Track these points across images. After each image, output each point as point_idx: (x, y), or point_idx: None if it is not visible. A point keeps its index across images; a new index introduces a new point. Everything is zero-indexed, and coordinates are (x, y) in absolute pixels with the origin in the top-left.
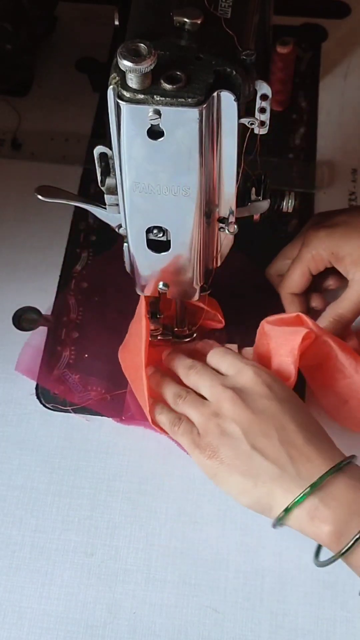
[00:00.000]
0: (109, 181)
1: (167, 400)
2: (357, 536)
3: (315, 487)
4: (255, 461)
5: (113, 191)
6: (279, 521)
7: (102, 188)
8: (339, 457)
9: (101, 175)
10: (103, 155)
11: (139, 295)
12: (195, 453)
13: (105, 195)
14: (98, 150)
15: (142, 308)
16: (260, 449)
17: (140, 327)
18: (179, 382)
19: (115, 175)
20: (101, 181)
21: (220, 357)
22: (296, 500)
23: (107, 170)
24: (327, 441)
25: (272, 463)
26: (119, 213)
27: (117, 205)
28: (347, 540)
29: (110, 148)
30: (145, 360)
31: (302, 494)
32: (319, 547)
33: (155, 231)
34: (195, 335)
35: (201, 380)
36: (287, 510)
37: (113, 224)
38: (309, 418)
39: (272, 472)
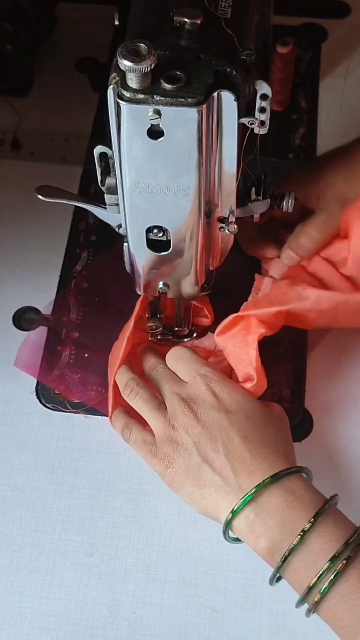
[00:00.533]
0: (109, 181)
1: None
2: (287, 554)
3: (249, 499)
4: (204, 473)
5: (113, 191)
6: (225, 532)
7: (102, 188)
8: (282, 468)
9: (101, 175)
10: (103, 155)
11: (139, 296)
12: (153, 462)
13: (105, 195)
14: (98, 150)
15: (132, 317)
16: (209, 462)
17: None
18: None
19: (115, 175)
20: (101, 181)
21: (174, 362)
22: (233, 510)
23: (107, 170)
24: (276, 452)
25: (218, 475)
26: (119, 213)
27: (117, 205)
28: (279, 557)
29: (110, 148)
30: (121, 360)
31: (237, 506)
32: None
33: (155, 231)
34: (195, 335)
35: (160, 385)
36: (228, 522)
37: (113, 224)
38: (258, 428)
39: (218, 484)
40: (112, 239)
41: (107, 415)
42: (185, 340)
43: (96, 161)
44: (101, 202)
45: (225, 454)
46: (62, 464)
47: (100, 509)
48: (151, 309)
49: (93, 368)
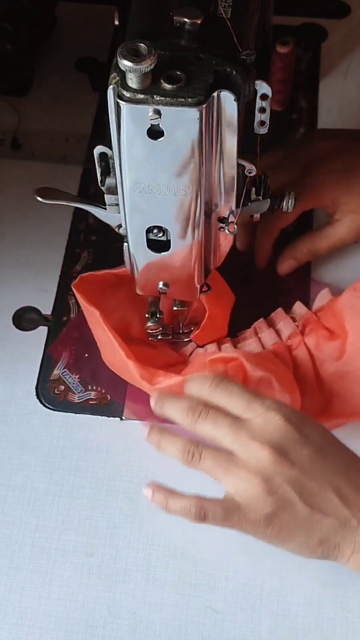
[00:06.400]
0: (109, 181)
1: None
2: None
3: None
4: (317, 520)
5: (113, 191)
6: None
7: (102, 188)
8: None
9: (101, 175)
10: (103, 155)
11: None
12: (246, 527)
13: (105, 195)
14: (98, 150)
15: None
16: (320, 508)
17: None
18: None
19: (115, 175)
20: (101, 181)
21: (226, 397)
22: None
23: (107, 170)
24: None
25: (333, 518)
26: (119, 213)
27: (117, 205)
28: None
29: (110, 148)
30: (126, 353)
31: None
32: None
33: (155, 231)
34: (193, 329)
35: (218, 432)
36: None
37: (113, 224)
38: (347, 454)
39: (335, 527)
40: (112, 239)
41: (106, 415)
42: (185, 340)
43: (96, 161)
44: (101, 202)
45: (335, 495)
46: (62, 464)
47: (100, 509)
48: (151, 310)
49: (93, 368)
